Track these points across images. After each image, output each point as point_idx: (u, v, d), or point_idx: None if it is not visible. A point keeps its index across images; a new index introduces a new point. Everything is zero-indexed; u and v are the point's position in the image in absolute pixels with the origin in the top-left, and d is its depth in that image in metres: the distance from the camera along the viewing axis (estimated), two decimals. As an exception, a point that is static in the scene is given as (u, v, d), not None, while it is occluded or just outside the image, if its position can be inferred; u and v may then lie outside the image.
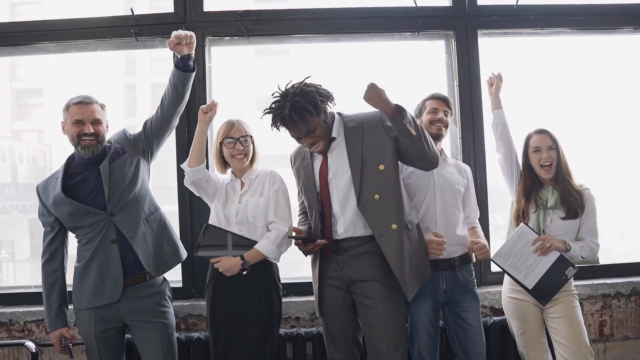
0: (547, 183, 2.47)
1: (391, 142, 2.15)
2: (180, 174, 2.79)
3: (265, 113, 2.15)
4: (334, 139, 2.20)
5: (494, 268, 2.87)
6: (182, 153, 2.82)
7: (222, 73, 3.34)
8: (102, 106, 2.28)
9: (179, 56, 2.20)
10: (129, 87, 3.88)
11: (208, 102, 2.85)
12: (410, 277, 2.12)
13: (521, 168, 2.53)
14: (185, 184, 2.38)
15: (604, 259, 3.02)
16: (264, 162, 2.46)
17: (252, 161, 2.37)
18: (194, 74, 2.26)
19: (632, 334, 2.87)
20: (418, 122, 2.32)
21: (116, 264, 2.16)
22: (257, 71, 3.48)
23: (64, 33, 2.88)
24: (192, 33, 2.19)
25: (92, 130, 2.19)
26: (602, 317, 2.85)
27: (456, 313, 2.37)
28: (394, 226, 2.11)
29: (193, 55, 2.23)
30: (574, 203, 2.40)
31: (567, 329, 2.32)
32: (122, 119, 3.98)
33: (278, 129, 2.16)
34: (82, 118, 2.19)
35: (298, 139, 2.18)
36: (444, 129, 2.43)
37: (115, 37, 2.89)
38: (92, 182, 2.20)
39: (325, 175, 2.19)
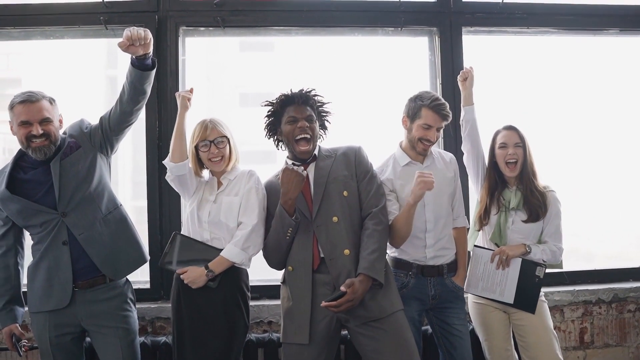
0: (512, 182, 2.38)
1: (356, 182, 2.13)
2: (151, 168, 2.69)
3: (268, 103, 2.15)
4: (316, 156, 2.16)
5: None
6: (152, 148, 2.70)
7: (205, 68, 3.21)
8: (52, 101, 2.08)
9: (134, 56, 1.99)
10: (110, 79, 3.75)
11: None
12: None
13: (487, 165, 2.43)
14: (167, 179, 2.21)
15: (585, 265, 2.98)
16: (245, 158, 2.34)
17: (230, 160, 2.23)
18: (153, 71, 2.06)
19: (612, 342, 2.83)
20: (406, 125, 2.29)
21: (65, 267, 2.02)
22: (241, 67, 3.38)
23: (29, 18, 2.72)
24: (147, 31, 1.94)
25: (41, 131, 2.00)
26: (582, 324, 2.80)
27: (442, 319, 2.29)
28: (347, 251, 2.04)
29: (150, 53, 2.01)
30: (536, 205, 2.31)
31: (535, 340, 2.25)
32: (103, 111, 3.89)
33: (271, 115, 2.14)
34: (28, 119, 2.00)
35: (293, 120, 2.09)
36: (431, 147, 2.28)
37: (84, 24, 2.74)
38: (43, 179, 2.04)
39: (308, 190, 2.10)
